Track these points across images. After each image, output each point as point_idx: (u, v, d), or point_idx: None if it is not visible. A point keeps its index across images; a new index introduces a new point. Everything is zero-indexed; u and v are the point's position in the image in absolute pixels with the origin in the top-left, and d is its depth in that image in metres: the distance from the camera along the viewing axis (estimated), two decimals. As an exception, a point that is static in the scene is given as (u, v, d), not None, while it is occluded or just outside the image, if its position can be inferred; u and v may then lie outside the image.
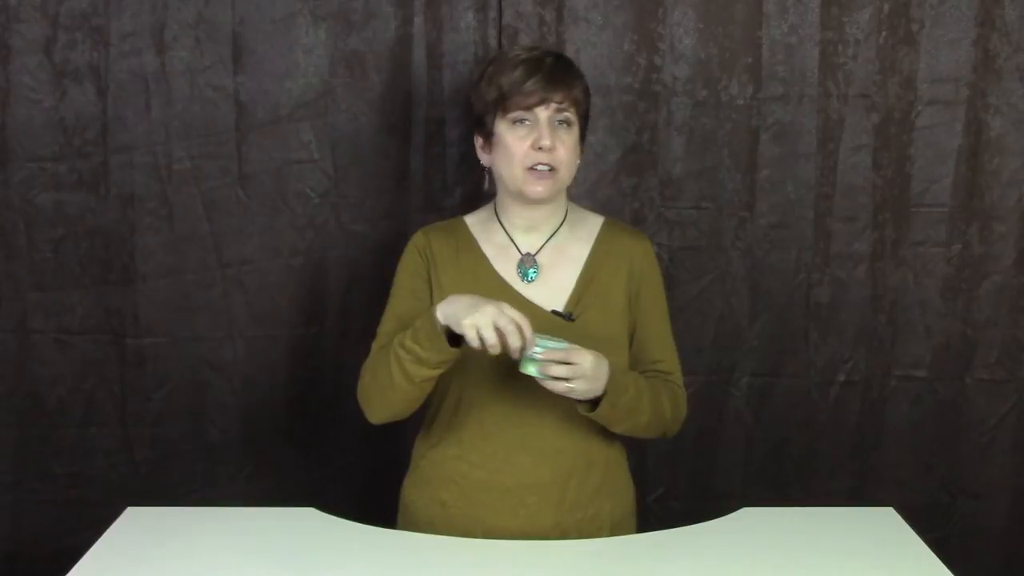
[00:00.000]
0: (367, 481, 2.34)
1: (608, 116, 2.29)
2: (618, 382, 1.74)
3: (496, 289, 1.84)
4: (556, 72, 1.79)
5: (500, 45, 2.26)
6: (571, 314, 1.82)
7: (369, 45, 2.27)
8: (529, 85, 1.77)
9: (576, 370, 1.66)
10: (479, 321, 1.62)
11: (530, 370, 1.65)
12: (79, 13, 2.22)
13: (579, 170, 1.89)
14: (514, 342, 1.62)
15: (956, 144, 2.31)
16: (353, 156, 2.30)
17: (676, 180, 2.33)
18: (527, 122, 1.79)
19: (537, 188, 1.80)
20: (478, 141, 1.89)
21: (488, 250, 1.89)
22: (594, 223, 1.94)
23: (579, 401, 1.73)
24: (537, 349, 1.64)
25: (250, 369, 2.35)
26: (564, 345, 1.66)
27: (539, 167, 1.79)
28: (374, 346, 1.86)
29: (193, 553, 1.69)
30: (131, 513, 1.84)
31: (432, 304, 1.77)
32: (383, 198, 2.33)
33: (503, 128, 1.81)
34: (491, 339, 1.61)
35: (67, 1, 2.21)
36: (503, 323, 1.61)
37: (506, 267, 1.87)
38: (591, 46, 2.28)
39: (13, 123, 2.24)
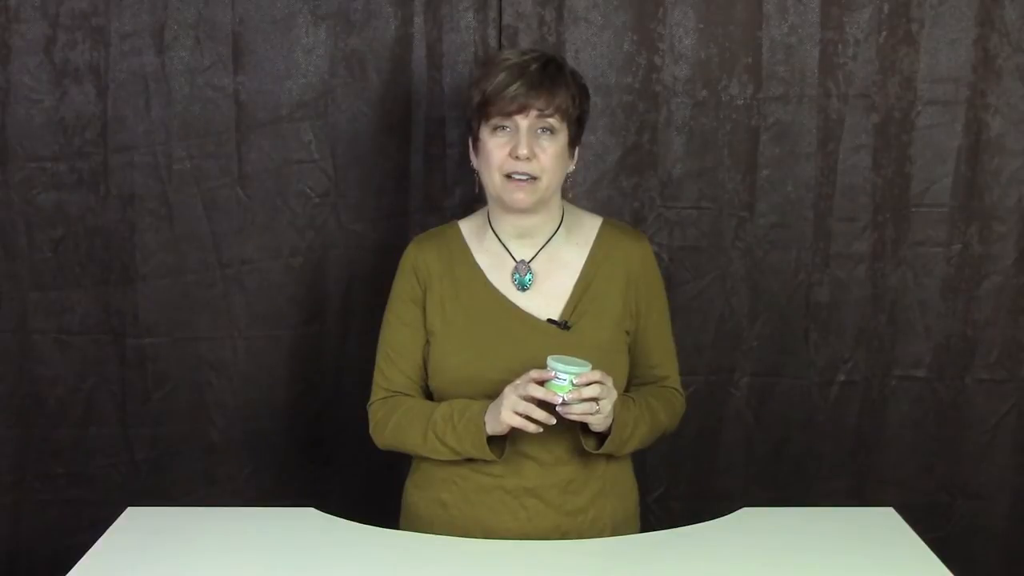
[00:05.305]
0: (367, 481, 2.34)
1: (608, 116, 2.29)
2: (621, 420, 1.75)
3: (490, 301, 1.83)
4: (539, 79, 1.75)
5: (500, 45, 2.26)
6: (567, 322, 1.81)
7: (369, 45, 2.27)
8: (510, 92, 1.74)
9: (606, 390, 1.67)
10: (505, 420, 1.69)
11: (563, 393, 1.65)
12: (79, 13, 2.21)
13: (579, 170, 1.88)
14: (538, 415, 1.67)
15: (956, 144, 2.31)
16: (353, 156, 2.30)
17: (676, 180, 2.32)
18: (507, 129, 1.77)
19: (517, 195, 1.78)
20: (470, 144, 1.88)
21: (482, 259, 1.87)
22: (591, 226, 1.91)
23: (584, 434, 1.76)
24: (563, 376, 1.65)
25: (250, 369, 2.35)
26: (587, 366, 1.66)
27: (517, 176, 1.77)
28: (376, 386, 1.88)
29: (193, 553, 1.69)
30: (131, 513, 1.84)
31: (425, 320, 1.84)
32: (383, 198, 2.32)
33: (485, 134, 1.79)
34: (526, 427, 1.68)
35: (67, 1, 2.21)
36: (521, 408, 1.67)
37: (500, 276, 1.85)
38: (591, 46, 2.28)
39: (13, 123, 2.24)
